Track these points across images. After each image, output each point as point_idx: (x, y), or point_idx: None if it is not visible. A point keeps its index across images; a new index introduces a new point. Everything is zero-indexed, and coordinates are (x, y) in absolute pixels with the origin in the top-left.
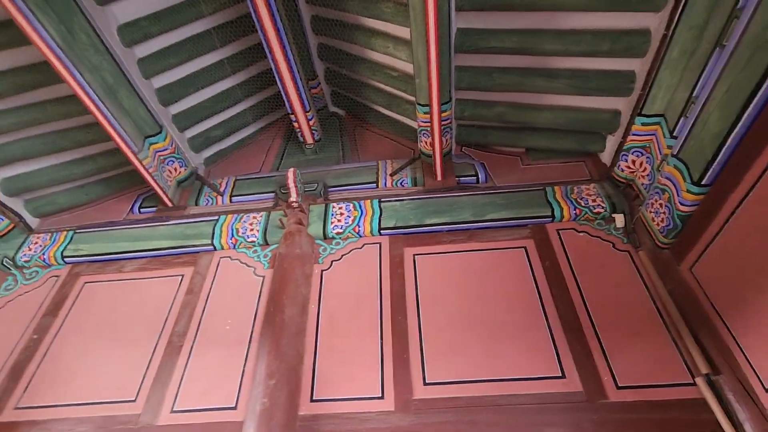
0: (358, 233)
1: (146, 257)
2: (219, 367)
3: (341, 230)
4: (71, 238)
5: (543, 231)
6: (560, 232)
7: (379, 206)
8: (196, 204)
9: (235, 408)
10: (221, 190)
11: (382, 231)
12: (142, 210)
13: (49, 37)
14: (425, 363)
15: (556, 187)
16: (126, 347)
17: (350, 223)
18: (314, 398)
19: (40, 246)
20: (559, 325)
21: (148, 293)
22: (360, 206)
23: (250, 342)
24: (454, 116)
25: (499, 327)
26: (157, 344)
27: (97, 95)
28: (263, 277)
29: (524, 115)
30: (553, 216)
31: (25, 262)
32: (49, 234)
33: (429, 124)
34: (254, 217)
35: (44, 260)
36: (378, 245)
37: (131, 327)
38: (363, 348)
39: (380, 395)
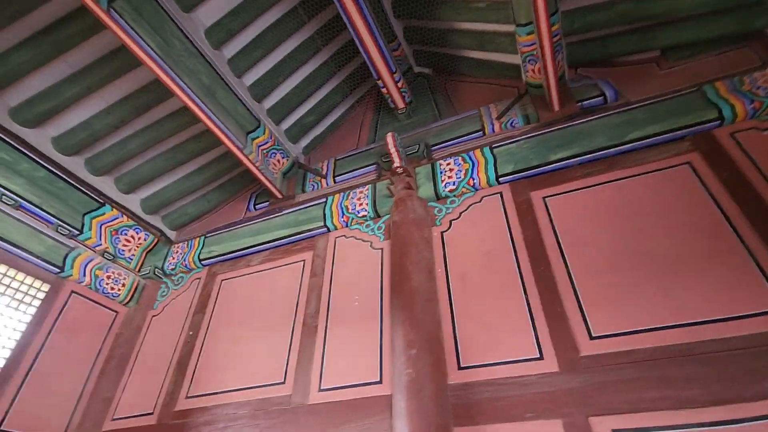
0: (473, 186)
1: (268, 248)
2: (356, 343)
3: (454, 186)
4: (203, 243)
5: (710, 139)
6: (736, 135)
7: (492, 153)
8: (303, 191)
9: (380, 382)
10: (324, 173)
11: (500, 179)
12: (257, 206)
13: (148, 47)
14: (586, 314)
15: (717, 84)
16: (267, 333)
17: (462, 177)
18: (462, 365)
19: (181, 254)
20: (763, 247)
21: (276, 281)
22: (470, 157)
23: (381, 314)
24: (562, 32)
25: (674, 261)
26: (293, 327)
27: (198, 97)
28: (381, 249)
29: (655, 6)
30: (721, 118)
31: (171, 270)
32: (186, 242)
33: (535, 46)
34: (361, 192)
35: (186, 266)
36: (498, 195)
37: (267, 314)
38: (506, 306)
39: (538, 356)
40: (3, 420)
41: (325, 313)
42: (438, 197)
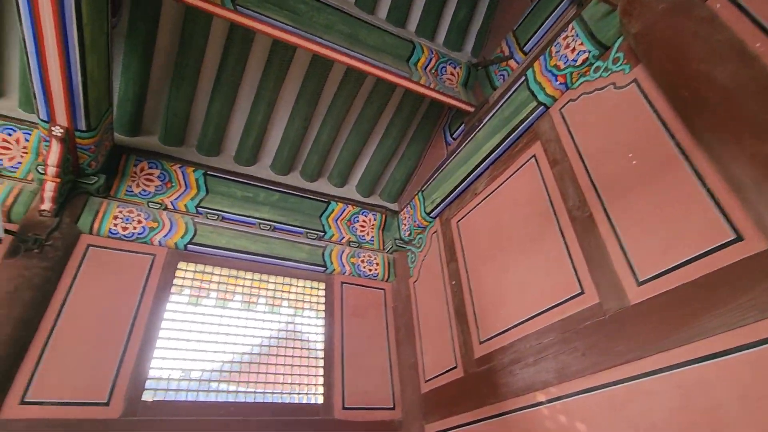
0: None
1: (487, 167)
2: (660, 208)
3: None
4: (423, 197)
5: None
6: None
7: None
8: (493, 88)
9: (740, 239)
10: (507, 54)
11: None
12: (454, 136)
13: (281, 23)
14: None
15: None
16: (530, 251)
17: None
18: None
19: (409, 218)
20: None
21: (515, 194)
22: None
23: (683, 154)
24: None
25: None
26: (560, 230)
27: (344, 48)
28: (632, 80)
29: None
30: None
31: (408, 236)
32: (408, 206)
33: None
34: (565, 38)
35: (419, 226)
36: None
37: (522, 231)
38: None
39: None
40: (343, 400)
41: (594, 195)
42: None
